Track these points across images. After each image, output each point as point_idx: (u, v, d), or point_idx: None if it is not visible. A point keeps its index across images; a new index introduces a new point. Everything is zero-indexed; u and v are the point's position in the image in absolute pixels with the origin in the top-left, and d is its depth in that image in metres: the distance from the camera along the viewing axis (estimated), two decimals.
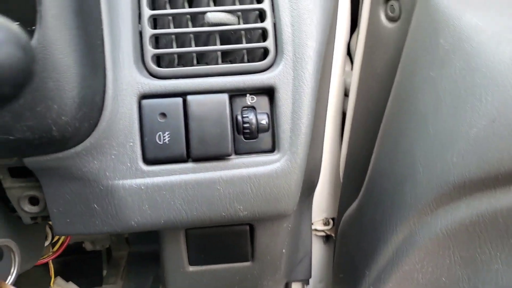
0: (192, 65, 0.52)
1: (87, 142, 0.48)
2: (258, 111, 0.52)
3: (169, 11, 0.52)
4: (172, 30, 0.52)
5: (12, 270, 0.49)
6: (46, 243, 0.76)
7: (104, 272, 1.03)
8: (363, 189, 0.65)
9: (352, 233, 0.70)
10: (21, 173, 0.55)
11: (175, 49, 0.52)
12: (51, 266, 0.88)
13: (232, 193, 0.51)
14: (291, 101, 0.51)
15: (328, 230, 0.83)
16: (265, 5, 0.52)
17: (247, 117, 0.51)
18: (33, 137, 0.42)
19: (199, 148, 0.50)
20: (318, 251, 0.85)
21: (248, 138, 0.52)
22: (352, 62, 0.72)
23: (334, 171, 0.78)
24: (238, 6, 0.53)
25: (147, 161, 0.50)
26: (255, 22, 0.54)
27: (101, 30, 0.48)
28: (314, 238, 0.84)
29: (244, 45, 0.52)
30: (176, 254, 0.61)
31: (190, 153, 0.50)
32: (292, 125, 0.51)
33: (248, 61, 0.53)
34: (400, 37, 0.57)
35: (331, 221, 0.82)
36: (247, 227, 0.60)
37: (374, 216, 0.61)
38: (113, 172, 0.49)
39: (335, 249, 0.77)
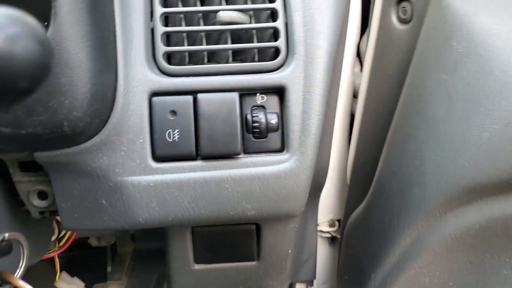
0: (203, 64, 0.52)
1: (97, 138, 0.48)
2: (268, 110, 0.52)
3: (181, 9, 0.52)
4: (183, 28, 0.52)
5: (20, 264, 0.49)
6: (53, 238, 0.77)
7: (109, 269, 1.03)
8: (370, 191, 0.65)
9: (358, 235, 0.70)
10: (31, 167, 0.55)
11: (186, 47, 0.52)
12: (57, 261, 0.88)
13: (240, 192, 0.51)
14: (301, 101, 0.51)
15: (333, 231, 0.82)
16: (277, 5, 0.52)
17: (257, 116, 0.51)
18: (44, 132, 0.42)
19: (209, 146, 0.50)
20: (323, 253, 0.85)
21: (257, 137, 0.52)
22: (361, 63, 0.71)
23: (341, 172, 0.77)
24: (250, 5, 0.53)
25: (157, 158, 0.50)
26: (267, 21, 0.53)
27: (114, 27, 0.48)
28: (319, 239, 0.83)
29: (255, 44, 0.52)
30: (182, 252, 0.61)
31: (199, 151, 0.50)
32: (302, 125, 0.51)
33: (259, 61, 0.53)
34: (411, 39, 0.57)
35: (336, 223, 0.82)
36: (254, 227, 0.60)
37: (381, 218, 0.61)
38: (122, 168, 0.49)
39: (341, 250, 0.76)
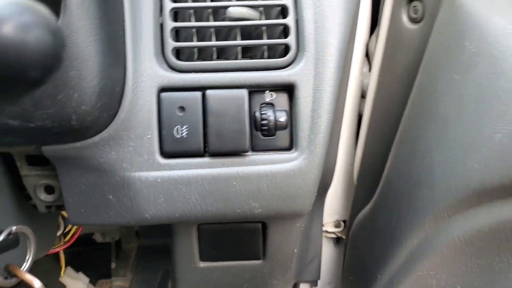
0: (212, 60, 0.52)
1: (105, 133, 0.48)
2: (277, 108, 0.51)
3: (190, 4, 0.52)
4: (193, 23, 0.52)
5: (27, 257, 0.49)
6: (58, 233, 0.77)
7: (113, 265, 1.03)
8: (377, 191, 0.64)
9: (364, 236, 0.69)
10: (38, 161, 0.55)
11: (195, 43, 0.51)
12: (62, 256, 0.88)
13: (248, 190, 0.51)
14: (311, 99, 0.51)
15: (339, 232, 0.82)
16: (288, 1, 0.52)
17: (266, 113, 0.50)
18: (52, 125, 0.42)
19: (217, 143, 0.50)
20: (327, 253, 0.85)
21: (265, 135, 0.52)
22: (369, 63, 0.71)
23: (348, 173, 0.77)
24: (260, 2, 0.52)
25: (164, 154, 0.50)
26: (277, 18, 0.53)
27: (123, 21, 0.48)
28: (324, 240, 0.83)
29: (265, 41, 0.52)
30: (187, 249, 0.61)
31: (207, 147, 0.50)
32: (312, 124, 0.51)
33: (269, 57, 0.52)
34: (422, 39, 0.56)
35: (342, 223, 0.81)
36: (260, 225, 0.60)
37: (388, 219, 0.60)
38: (130, 164, 0.49)
39: (346, 251, 0.76)
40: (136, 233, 1.05)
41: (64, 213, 0.75)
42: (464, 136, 0.49)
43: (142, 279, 0.90)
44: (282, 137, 0.52)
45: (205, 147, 0.50)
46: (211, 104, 0.49)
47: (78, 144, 0.47)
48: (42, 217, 0.63)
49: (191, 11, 0.53)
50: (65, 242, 0.81)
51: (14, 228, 0.46)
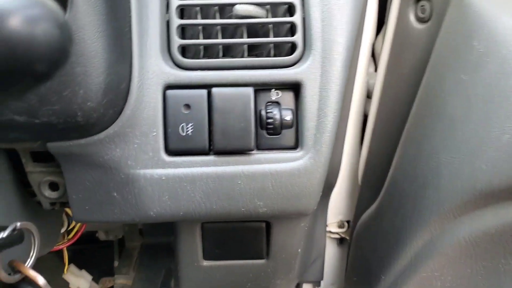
0: (218, 58, 0.52)
1: (110, 130, 0.47)
2: (282, 106, 0.51)
3: (197, 1, 0.52)
4: (199, 21, 0.51)
5: (31, 253, 0.49)
6: (62, 230, 0.77)
7: (116, 263, 1.03)
8: (382, 192, 0.64)
9: (368, 237, 0.69)
10: (43, 158, 0.55)
11: (201, 40, 0.51)
12: (65, 253, 0.89)
13: (252, 189, 0.51)
14: (317, 98, 0.50)
15: (342, 232, 0.82)
16: None
17: (271, 112, 0.50)
18: (58, 122, 0.42)
19: (222, 141, 0.49)
20: (331, 253, 0.84)
21: (271, 133, 0.51)
22: (375, 63, 0.70)
23: (352, 173, 0.76)
24: None
25: (169, 151, 0.50)
26: (284, 16, 0.53)
27: (129, 17, 0.48)
28: (328, 240, 0.83)
29: (271, 39, 0.51)
30: (191, 247, 0.61)
31: (213, 146, 0.50)
32: (317, 123, 0.50)
33: (275, 56, 0.52)
34: (429, 39, 0.56)
35: (345, 224, 0.81)
36: (264, 224, 0.60)
37: (393, 220, 0.60)
38: (135, 161, 0.49)
39: (349, 252, 0.76)
40: (139, 231, 1.05)
41: (68, 210, 0.75)
42: (472, 137, 0.48)
43: (145, 277, 0.90)
44: (288, 136, 0.52)
45: (210, 145, 0.50)
46: (216, 102, 0.49)
47: (83, 140, 0.47)
48: (46, 214, 0.63)
49: (198, 8, 0.52)
50: (69, 240, 0.81)
51: (18, 224, 0.46)
